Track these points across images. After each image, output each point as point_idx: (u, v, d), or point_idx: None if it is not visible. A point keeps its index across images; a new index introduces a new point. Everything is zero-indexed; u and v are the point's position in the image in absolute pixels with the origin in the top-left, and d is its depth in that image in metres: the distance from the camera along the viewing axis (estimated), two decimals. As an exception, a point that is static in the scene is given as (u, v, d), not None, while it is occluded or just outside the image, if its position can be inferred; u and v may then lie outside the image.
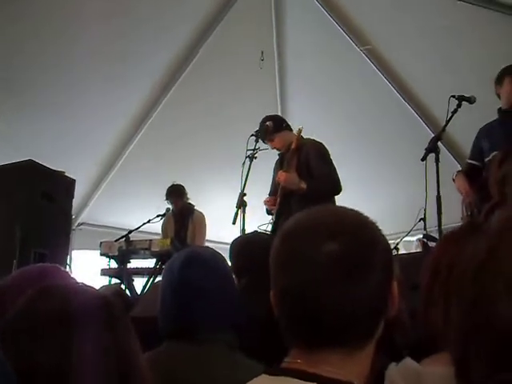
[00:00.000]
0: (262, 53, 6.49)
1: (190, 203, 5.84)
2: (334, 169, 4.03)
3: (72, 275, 0.92)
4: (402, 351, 0.98)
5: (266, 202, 4.29)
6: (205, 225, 5.80)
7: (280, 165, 4.31)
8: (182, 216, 5.79)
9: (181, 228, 5.77)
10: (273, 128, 4.20)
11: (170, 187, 5.70)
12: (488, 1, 5.00)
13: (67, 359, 0.76)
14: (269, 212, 4.34)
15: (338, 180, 3.98)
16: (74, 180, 4.76)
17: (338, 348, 0.88)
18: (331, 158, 4.09)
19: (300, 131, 4.13)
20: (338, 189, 3.98)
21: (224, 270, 1.56)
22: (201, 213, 5.84)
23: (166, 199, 5.66)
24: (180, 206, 5.71)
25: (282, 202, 4.11)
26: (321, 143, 4.15)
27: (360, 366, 0.90)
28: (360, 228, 0.93)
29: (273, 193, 4.35)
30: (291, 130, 4.33)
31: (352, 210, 0.98)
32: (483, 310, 0.68)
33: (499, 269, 0.68)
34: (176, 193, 5.68)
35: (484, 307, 0.68)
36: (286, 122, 4.42)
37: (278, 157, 4.42)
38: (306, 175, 4.01)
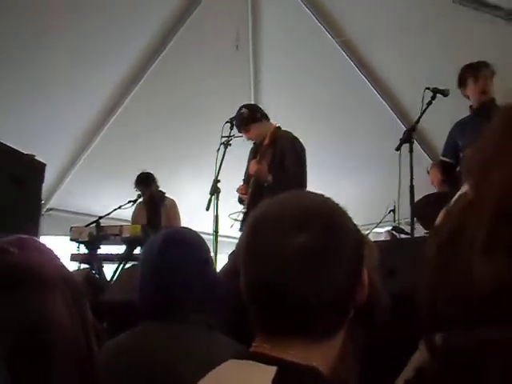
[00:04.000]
0: (237, 32, 6.43)
1: (160, 191, 5.78)
2: (305, 170, 4.03)
3: (48, 247, 0.92)
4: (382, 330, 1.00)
5: (238, 190, 4.26)
6: (178, 210, 5.76)
7: (254, 155, 4.27)
8: (153, 204, 5.74)
9: (153, 215, 5.71)
10: (248, 118, 4.16)
11: (138, 176, 5.62)
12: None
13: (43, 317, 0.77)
14: (240, 201, 4.31)
15: (305, 183, 3.98)
16: (45, 164, 4.65)
17: (304, 335, 0.88)
18: (305, 156, 4.08)
19: (276, 129, 4.10)
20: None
21: (203, 250, 1.54)
22: (172, 199, 5.80)
23: (135, 187, 5.60)
24: (149, 194, 5.65)
25: (253, 193, 4.08)
26: (297, 139, 4.12)
27: (327, 353, 0.90)
28: (329, 218, 0.91)
29: (246, 181, 4.31)
30: (268, 118, 4.28)
31: (321, 196, 0.98)
32: None
33: None
34: (144, 181, 5.61)
35: None
36: (262, 111, 4.33)
37: (252, 145, 4.38)
38: (279, 169, 3.97)
